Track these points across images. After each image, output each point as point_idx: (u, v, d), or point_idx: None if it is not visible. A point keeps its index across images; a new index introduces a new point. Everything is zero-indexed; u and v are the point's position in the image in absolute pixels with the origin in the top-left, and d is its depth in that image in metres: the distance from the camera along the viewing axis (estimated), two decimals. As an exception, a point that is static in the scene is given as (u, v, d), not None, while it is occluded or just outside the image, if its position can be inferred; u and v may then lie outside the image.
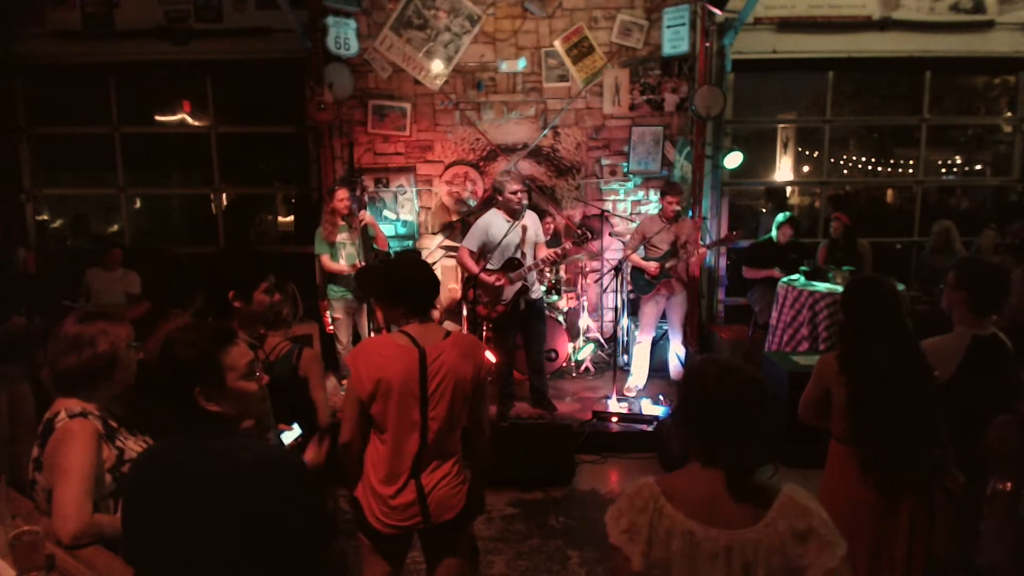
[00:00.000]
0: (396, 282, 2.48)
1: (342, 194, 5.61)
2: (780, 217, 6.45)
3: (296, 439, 2.66)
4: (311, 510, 1.75)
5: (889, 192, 8.29)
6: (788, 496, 1.50)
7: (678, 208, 5.58)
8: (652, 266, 5.56)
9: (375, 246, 5.81)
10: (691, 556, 1.48)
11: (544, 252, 5.22)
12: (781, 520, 1.47)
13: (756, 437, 1.51)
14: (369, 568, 2.49)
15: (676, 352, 5.85)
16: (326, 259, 5.65)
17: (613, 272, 5.97)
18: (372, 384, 2.32)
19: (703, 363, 1.59)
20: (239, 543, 1.62)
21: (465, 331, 6.17)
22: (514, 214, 5.10)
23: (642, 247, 5.70)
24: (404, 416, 2.35)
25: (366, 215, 5.77)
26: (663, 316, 5.89)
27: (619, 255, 5.69)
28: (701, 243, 6.06)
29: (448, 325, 6.69)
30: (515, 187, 5.03)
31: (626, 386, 5.79)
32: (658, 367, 6.12)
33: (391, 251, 6.59)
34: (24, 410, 4.09)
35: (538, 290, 5.39)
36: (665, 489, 1.54)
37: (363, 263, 5.63)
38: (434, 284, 2.51)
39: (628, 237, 5.97)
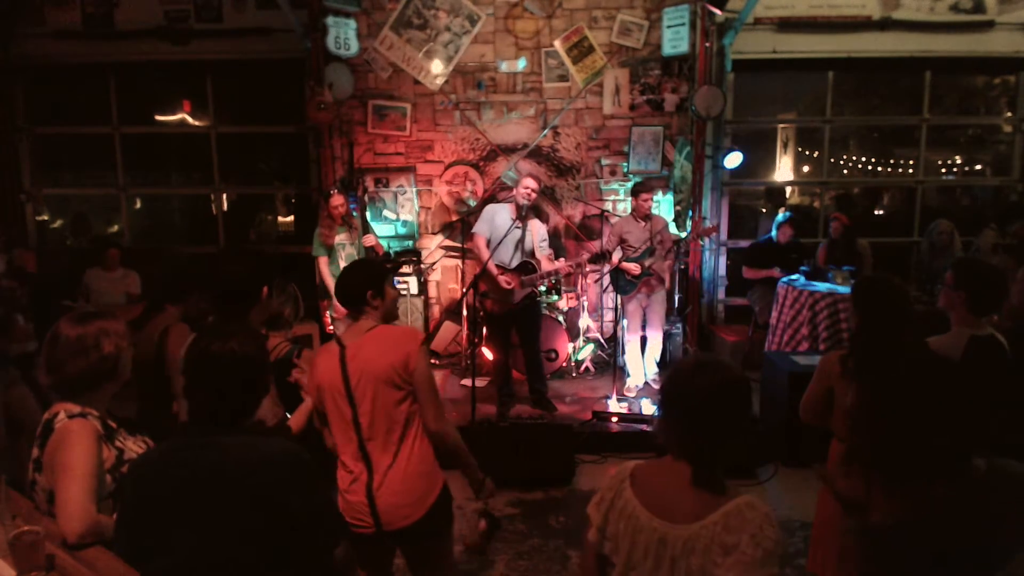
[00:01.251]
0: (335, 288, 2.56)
1: (337, 200, 5.60)
2: (780, 217, 6.45)
3: None
4: (323, 506, 1.75)
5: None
6: (737, 505, 1.49)
7: (651, 206, 5.62)
8: (634, 267, 5.54)
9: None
10: (632, 540, 1.56)
11: (557, 264, 5.30)
12: (718, 525, 1.47)
13: (723, 437, 1.52)
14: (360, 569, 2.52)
15: (653, 354, 5.84)
16: (323, 263, 5.65)
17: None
18: (315, 390, 2.40)
19: (686, 358, 1.67)
20: (253, 537, 1.63)
21: (465, 331, 6.19)
22: (518, 209, 5.15)
23: (619, 248, 5.69)
24: (339, 415, 2.36)
25: (371, 239, 5.74)
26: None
27: (618, 256, 5.66)
28: (682, 236, 6.04)
29: (447, 326, 6.69)
30: (529, 182, 5.14)
31: (626, 387, 5.79)
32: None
33: (390, 250, 6.62)
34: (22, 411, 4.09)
35: (537, 291, 5.41)
36: (634, 472, 1.64)
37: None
38: (352, 282, 2.46)
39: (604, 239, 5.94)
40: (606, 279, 6.56)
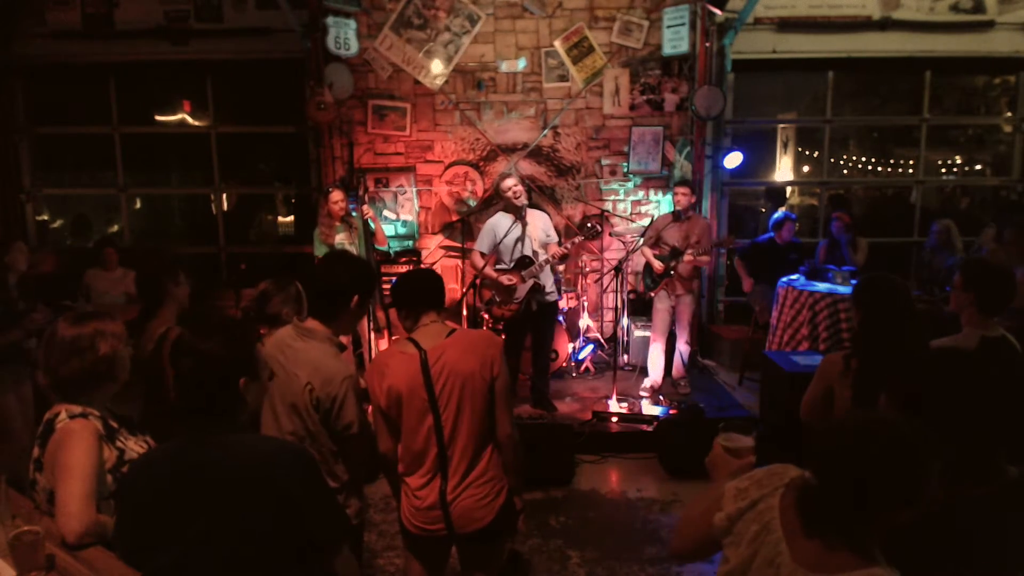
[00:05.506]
0: (394, 292, 2.50)
1: (337, 196, 5.59)
2: (777, 215, 6.45)
3: None
4: (329, 502, 1.74)
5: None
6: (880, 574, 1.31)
7: (686, 200, 5.57)
8: (658, 265, 5.56)
9: (376, 246, 5.81)
10: (755, 551, 1.44)
11: (554, 249, 5.22)
12: None
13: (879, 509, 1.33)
14: (408, 568, 2.52)
15: (680, 351, 5.85)
16: (325, 259, 5.65)
17: (613, 272, 5.97)
18: (384, 395, 2.34)
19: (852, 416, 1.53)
20: (258, 534, 1.63)
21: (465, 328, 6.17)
22: (515, 211, 5.13)
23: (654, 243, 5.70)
24: (418, 422, 2.33)
25: (367, 209, 5.70)
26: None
27: (619, 255, 5.67)
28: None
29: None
30: (510, 182, 5.10)
31: (643, 386, 5.77)
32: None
33: (390, 250, 6.60)
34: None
35: (553, 292, 5.35)
36: (792, 483, 1.48)
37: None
38: (424, 285, 2.45)
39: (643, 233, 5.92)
40: (606, 279, 6.56)
